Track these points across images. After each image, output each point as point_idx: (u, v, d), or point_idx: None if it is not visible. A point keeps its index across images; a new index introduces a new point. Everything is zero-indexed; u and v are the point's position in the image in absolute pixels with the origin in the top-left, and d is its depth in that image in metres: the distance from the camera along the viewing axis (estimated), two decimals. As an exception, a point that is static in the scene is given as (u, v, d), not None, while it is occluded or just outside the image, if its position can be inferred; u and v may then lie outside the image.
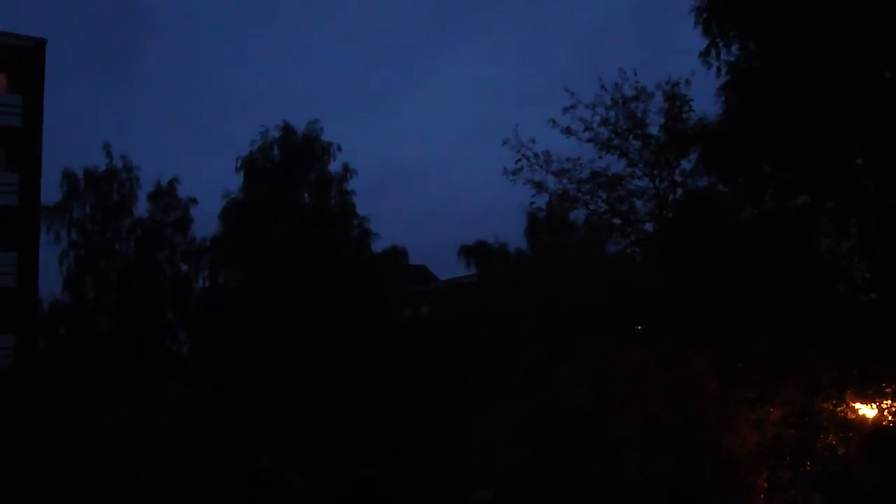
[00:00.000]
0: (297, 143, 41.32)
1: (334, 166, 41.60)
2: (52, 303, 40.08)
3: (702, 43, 21.25)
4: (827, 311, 18.86)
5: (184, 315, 41.94)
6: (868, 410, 19.60)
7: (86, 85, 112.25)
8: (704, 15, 21.31)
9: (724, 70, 21.01)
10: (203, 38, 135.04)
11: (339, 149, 41.54)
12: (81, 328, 39.76)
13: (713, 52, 21.12)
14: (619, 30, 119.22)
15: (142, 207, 41.11)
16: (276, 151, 41.46)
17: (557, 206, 25.48)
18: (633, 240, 24.45)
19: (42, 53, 36.25)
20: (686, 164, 23.18)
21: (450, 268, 47.95)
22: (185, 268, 42.03)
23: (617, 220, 24.04)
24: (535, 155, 23.08)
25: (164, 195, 41.38)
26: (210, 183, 50.39)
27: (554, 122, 22.84)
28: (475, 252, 43.92)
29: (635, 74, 22.67)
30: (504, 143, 23.08)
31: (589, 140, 23.03)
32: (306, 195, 41.72)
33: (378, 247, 42.26)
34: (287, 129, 41.39)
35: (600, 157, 23.11)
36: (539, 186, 23.45)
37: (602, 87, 22.63)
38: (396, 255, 43.47)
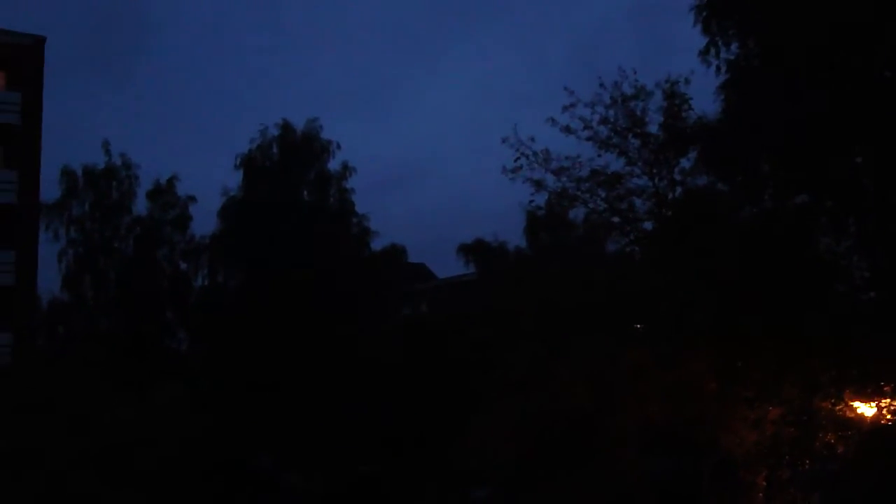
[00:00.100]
0: (296, 141, 41.32)
1: (333, 164, 41.69)
2: (51, 301, 40.13)
3: (701, 41, 21.24)
4: (826, 310, 18.83)
5: (183, 313, 41.96)
6: (867, 409, 19.58)
7: (85, 82, 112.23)
8: (704, 13, 21.27)
9: (723, 69, 20.96)
10: (203, 36, 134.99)
11: (339, 147, 41.64)
12: (80, 326, 39.79)
13: (712, 51, 21.08)
14: (619, 29, 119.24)
15: (141, 205, 41.24)
16: (275, 149, 41.47)
17: (556, 204, 25.45)
18: (632, 238, 24.42)
19: (41, 51, 36.27)
20: (685, 163, 23.17)
21: (449, 266, 48.04)
22: (184, 266, 42.11)
23: (616, 219, 24.01)
24: (535, 153, 23.04)
25: (164, 193, 41.40)
26: (209, 181, 50.42)
27: (553, 121, 22.83)
28: (474, 250, 43.94)
29: (634, 73, 22.66)
30: (503, 141, 23.06)
31: (588, 138, 22.99)
32: (305, 193, 41.73)
33: (377, 245, 42.36)
34: (286, 127, 41.40)
35: (599, 156, 23.09)
36: (538, 185, 23.41)
37: (601, 85, 22.62)
38: (396, 253, 43.48)
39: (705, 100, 21.83)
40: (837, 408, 19.42)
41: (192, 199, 41.60)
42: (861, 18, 17.51)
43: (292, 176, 41.05)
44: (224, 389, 34.64)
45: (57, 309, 40.17)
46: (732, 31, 20.98)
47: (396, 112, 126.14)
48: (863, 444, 19.26)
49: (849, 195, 19.54)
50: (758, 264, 18.81)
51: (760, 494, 20.85)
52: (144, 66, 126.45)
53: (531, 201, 24.53)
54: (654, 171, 23.19)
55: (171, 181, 41.37)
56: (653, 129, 23.03)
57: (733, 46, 21.01)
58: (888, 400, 19.15)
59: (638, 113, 22.90)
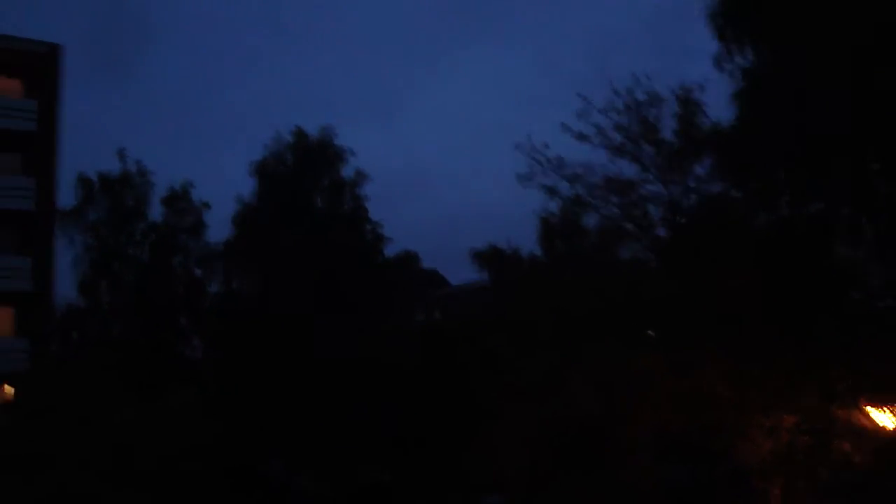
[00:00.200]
0: (309, 147, 41.44)
1: (347, 171, 41.73)
2: (67, 307, 40.30)
3: (715, 48, 21.20)
4: (842, 317, 18.71)
5: (197, 319, 42.11)
6: (883, 417, 19.43)
7: (99, 90, 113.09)
8: (718, 20, 21.24)
9: (738, 75, 20.94)
10: (216, 43, 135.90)
11: (353, 153, 41.69)
12: (95, 332, 39.96)
13: (727, 58, 21.05)
14: (633, 34, 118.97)
15: (156, 212, 41.37)
16: (289, 156, 41.60)
17: (570, 211, 25.45)
18: (645, 245, 24.36)
19: (58, 59, 36.58)
20: (700, 170, 23.10)
21: (462, 272, 48.01)
22: (198, 272, 42.23)
23: (630, 226, 23.97)
24: (548, 160, 23.07)
25: (179, 200, 41.55)
26: (224, 187, 50.78)
27: (567, 127, 22.83)
28: (487, 257, 43.79)
29: (648, 79, 22.64)
30: (517, 148, 23.11)
31: (602, 145, 23.00)
32: (319, 200, 41.82)
33: (390, 251, 42.39)
34: (300, 134, 41.51)
35: (613, 163, 23.08)
36: (552, 191, 23.46)
37: (615, 91, 22.61)
38: (409, 259, 43.50)
39: (720, 106, 21.81)
40: (854, 416, 19.29)
41: (207, 205, 41.78)
42: (879, 23, 17.42)
43: (306, 183, 41.17)
44: (237, 394, 34.74)
45: (72, 315, 40.36)
46: (747, 37, 20.92)
47: (410, 118, 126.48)
48: (879, 453, 19.09)
49: (865, 202, 19.43)
50: (773, 271, 18.72)
51: None
52: (159, 72, 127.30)
53: (545, 208, 24.56)
54: (668, 178, 23.14)
55: (186, 188, 41.58)
56: (667, 135, 23.00)
57: (748, 53, 20.96)
58: (905, 408, 19.01)
59: (652, 119, 22.87)
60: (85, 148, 65.62)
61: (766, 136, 19.47)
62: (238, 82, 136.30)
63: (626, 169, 23.06)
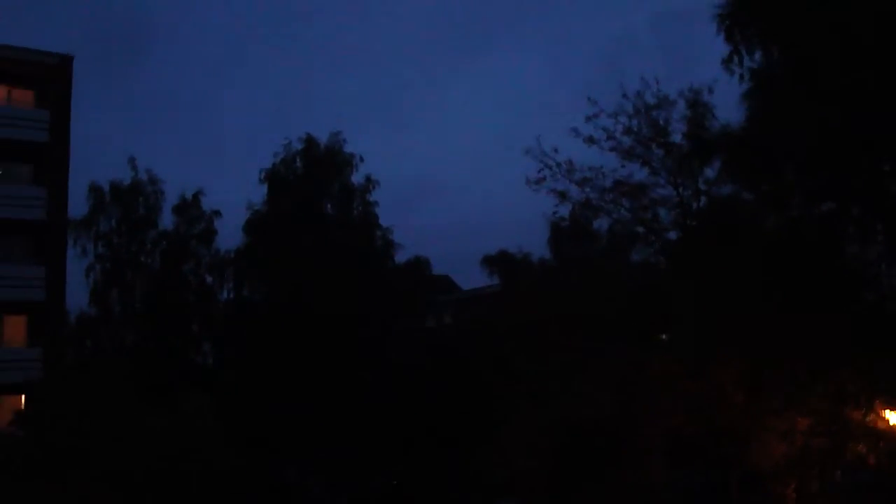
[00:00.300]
0: (319, 154, 41.50)
1: (357, 177, 41.77)
2: (79, 315, 40.48)
3: (724, 50, 21.15)
4: (854, 318, 18.62)
5: (209, 326, 42.23)
6: (898, 419, 19.33)
7: (107, 99, 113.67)
8: (727, 22, 21.18)
9: (746, 77, 20.86)
10: (226, 52, 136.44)
11: (362, 160, 41.71)
12: (107, 340, 40.12)
13: (736, 59, 20.97)
14: (641, 37, 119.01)
15: (167, 220, 41.53)
16: (299, 163, 41.66)
17: (580, 215, 25.45)
18: (656, 248, 24.33)
19: (69, 69, 36.73)
20: (710, 172, 23.09)
21: (473, 278, 48.00)
22: (209, 279, 42.35)
23: (640, 229, 23.97)
24: (558, 164, 23.10)
25: (189, 208, 41.71)
26: (234, 195, 50.95)
27: (576, 132, 22.84)
28: (498, 262, 43.80)
29: (657, 83, 22.64)
30: (526, 152, 23.13)
31: (611, 149, 23.02)
32: (329, 206, 41.88)
33: (401, 257, 42.41)
34: (310, 141, 41.59)
35: (623, 166, 23.09)
36: (562, 196, 23.46)
37: (624, 95, 22.62)
38: (419, 265, 43.52)
39: (729, 109, 21.77)
40: (867, 418, 19.18)
41: (218, 213, 41.93)
42: (885, 25, 17.37)
43: (316, 189, 41.23)
44: (250, 400, 34.80)
45: (85, 323, 40.53)
46: (755, 39, 20.87)
47: (420, 125, 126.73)
48: (894, 455, 18.98)
49: (875, 202, 19.34)
50: (784, 273, 18.66)
51: (790, 506, 20.62)
52: (169, 81, 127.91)
53: (555, 212, 24.61)
54: (678, 180, 23.13)
55: (197, 196, 41.72)
56: (676, 138, 23.00)
57: (756, 55, 20.91)
58: (919, 409, 18.90)
59: (661, 122, 22.87)
60: (100, 158, 66.11)
61: (776, 138, 19.41)
62: (248, 90, 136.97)
63: (636, 172, 23.07)
